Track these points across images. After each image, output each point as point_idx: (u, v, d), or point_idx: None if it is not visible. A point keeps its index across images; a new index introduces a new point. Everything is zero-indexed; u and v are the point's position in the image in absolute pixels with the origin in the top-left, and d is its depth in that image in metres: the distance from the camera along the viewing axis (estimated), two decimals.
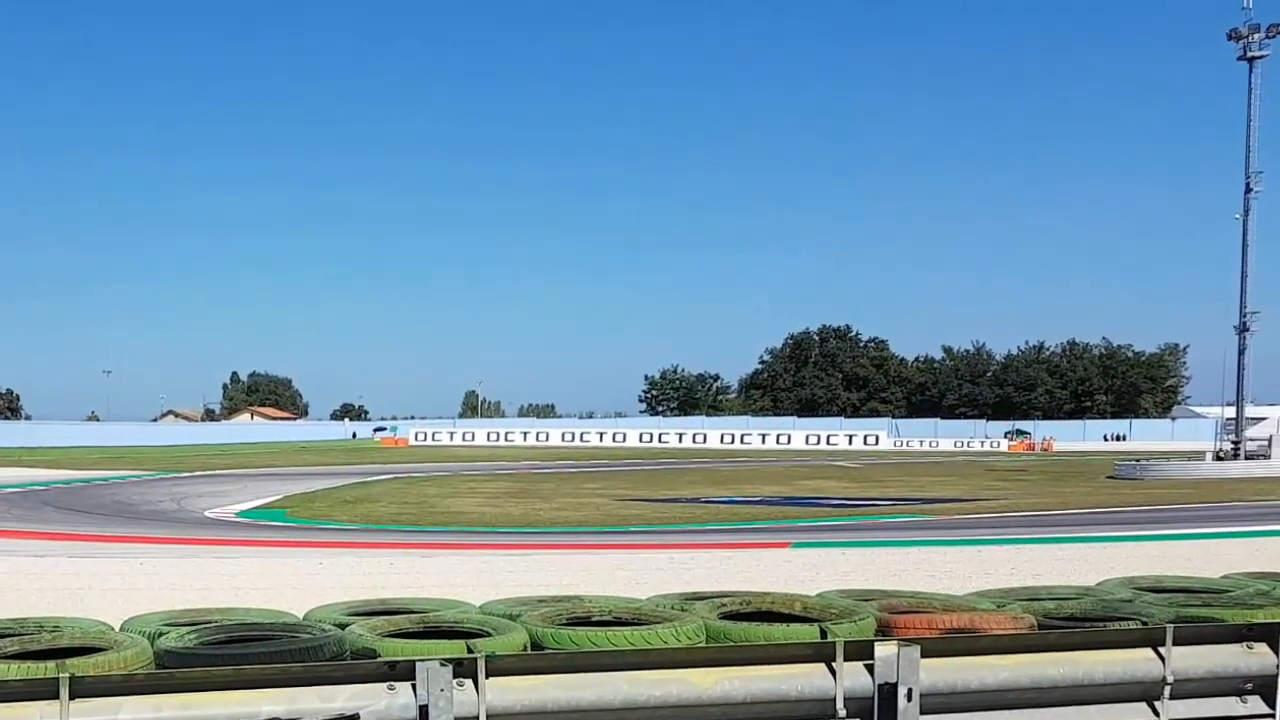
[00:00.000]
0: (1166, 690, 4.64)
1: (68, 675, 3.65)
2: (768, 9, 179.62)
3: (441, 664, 3.84)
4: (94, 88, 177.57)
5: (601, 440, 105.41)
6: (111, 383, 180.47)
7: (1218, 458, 54.39)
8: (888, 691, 4.22)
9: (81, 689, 3.64)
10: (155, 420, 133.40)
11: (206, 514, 35.27)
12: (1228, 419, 58.05)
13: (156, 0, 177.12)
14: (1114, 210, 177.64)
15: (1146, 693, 4.66)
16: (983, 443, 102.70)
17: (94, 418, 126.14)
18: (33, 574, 16.70)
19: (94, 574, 16.42)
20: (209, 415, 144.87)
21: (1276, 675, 4.73)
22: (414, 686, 3.84)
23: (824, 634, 4.87)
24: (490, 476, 55.32)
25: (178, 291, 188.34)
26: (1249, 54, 54.62)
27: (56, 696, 3.59)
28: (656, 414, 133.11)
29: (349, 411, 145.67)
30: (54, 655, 4.40)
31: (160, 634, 4.76)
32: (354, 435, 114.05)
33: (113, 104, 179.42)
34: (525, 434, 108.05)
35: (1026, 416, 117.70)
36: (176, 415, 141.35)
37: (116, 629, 5.04)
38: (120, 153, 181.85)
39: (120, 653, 4.39)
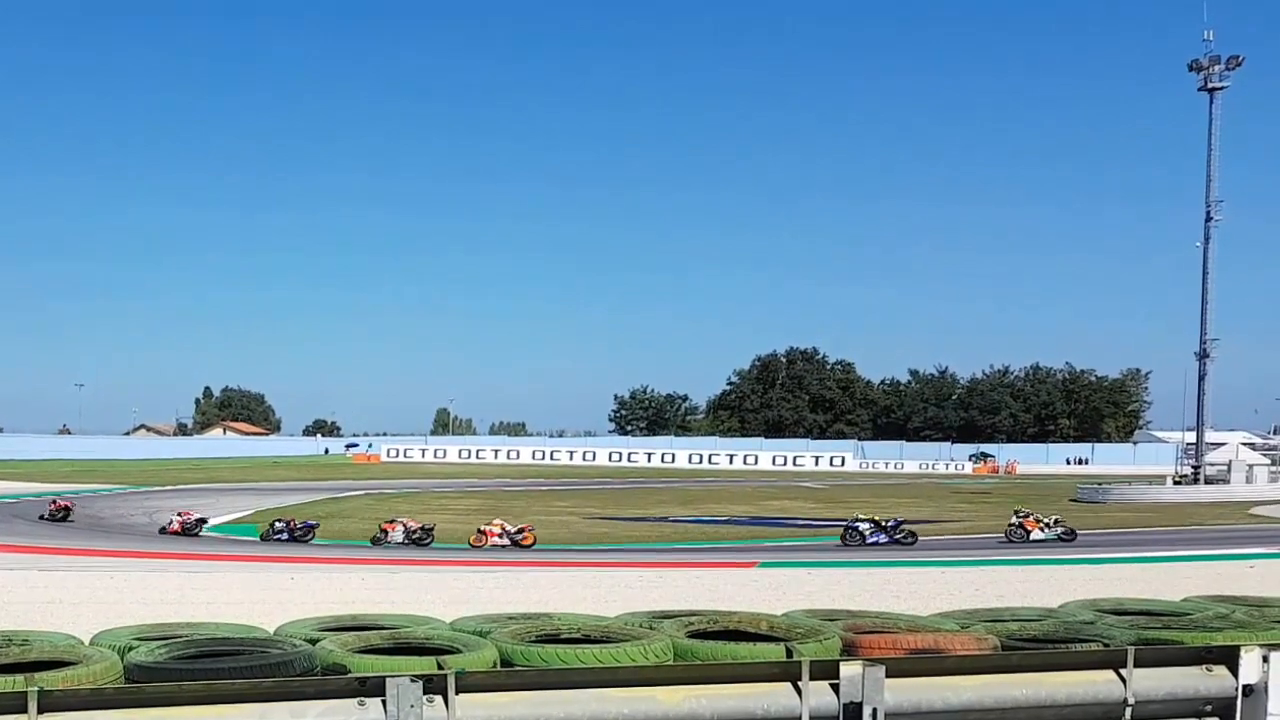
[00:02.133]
0: (1128, 712, 4.69)
1: (36, 689, 3.62)
2: (739, 31, 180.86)
3: (412, 680, 3.84)
4: (66, 99, 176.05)
5: (571, 459, 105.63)
6: (83, 396, 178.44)
7: (1177, 482, 54.99)
8: (853, 711, 4.25)
9: (50, 703, 3.61)
10: (127, 434, 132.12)
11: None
12: (1188, 444, 58.80)
13: (129, 15, 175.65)
14: (1077, 236, 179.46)
15: (1108, 714, 4.71)
16: (947, 465, 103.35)
17: (65, 431, 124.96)
18: (2, 587, 16.53)
19: (64, 587, 16.28)
20: (181, 430, 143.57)
21: (1235, 697, 4.80)
22: (384, 703, 3.83)
23: (790, 653, 4.90)
24: (461, 494, 55.23)
25: (151, 305, 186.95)
26: (1209, 85, 55.48)
27: (25, 710, 3.56)
28: (626, 433, 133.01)
29: (321, 427, 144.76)
30: (23, 669, 4.36)
31: (130, 648, 4.74)
32: (326, 451, 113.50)
33: (86, 117, 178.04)
34: (496, 452, 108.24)
35: (991, 439, 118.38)
36: (149, 429, 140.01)
37: (86, 643, 5.01)
38: (93, 166, 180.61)
39: (90, 667, 4.36)
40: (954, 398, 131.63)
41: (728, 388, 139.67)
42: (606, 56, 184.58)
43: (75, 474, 58.23)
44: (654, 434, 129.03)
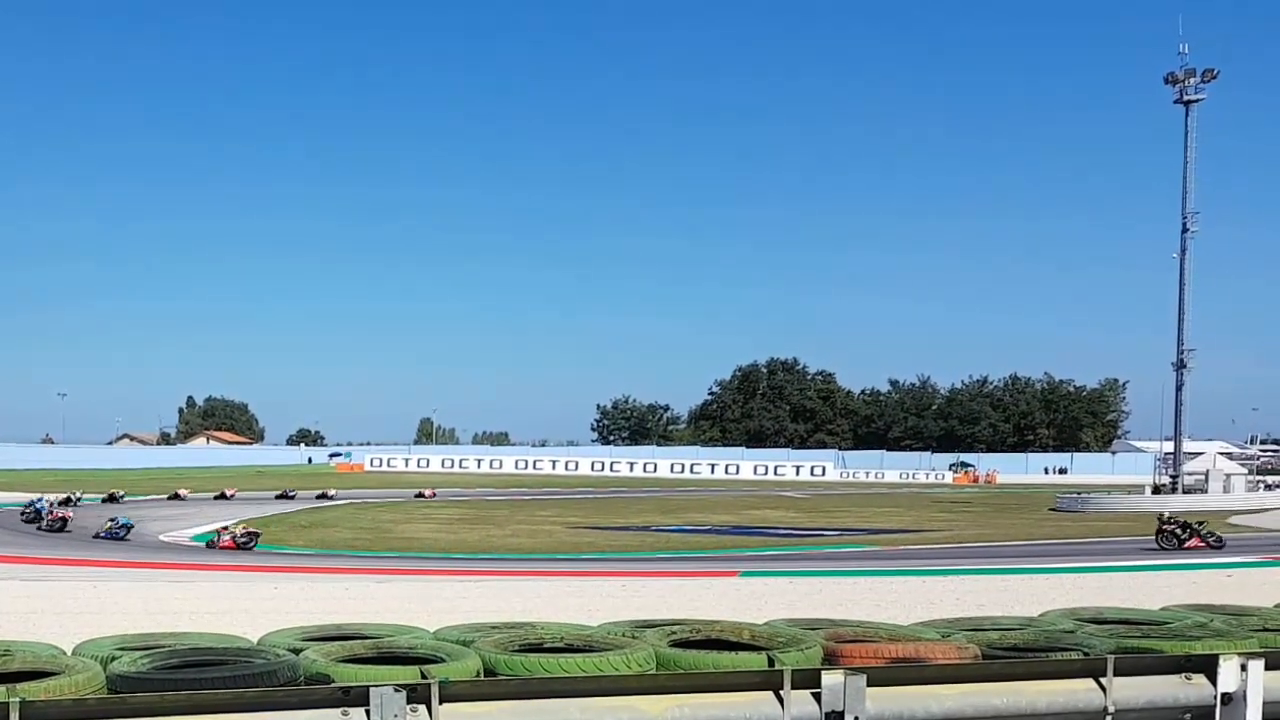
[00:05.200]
0: None
1: (18, 700, 3.60)
2: (718, 45, 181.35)
3: (395, 690, 3.84)
4: (47, 105, 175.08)
5: (554, 468, 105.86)
6: (66, 405, 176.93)
7: (1156, 491, 55.22)
8: None
9: (32, 713, 3.60)
10: (110, 443, 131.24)
11: (161, 538, 34.94)
12: (1166, 453, 59.05)
13: (113, 17, 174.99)
14: (1055, 246, 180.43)
15: None
16: (928, 475, 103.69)
17: (48, 440, 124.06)
18: None
19: (47, 597, 16.13)
20: (164, 439, 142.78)
21: (1214, 706, 4.83)
22: (368, 712, 3.83)
23: (772, 662, 4.92)
24: (445, 503, 55.14)
25: (133, 315, 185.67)
26: (1185, 98, 55.89)
27: None
28: (608, 443, 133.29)
29: (305, 437, 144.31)
30: (5, 679, 4.34)
31: (113, 658, 4.72)
32: (310, 460, 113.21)
33: (66, 124, 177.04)
34: (479, 461, 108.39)
35: (970, 449, 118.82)
36: (132, 439, 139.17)
37: (69, 653, 4.98)
38: (74, 175, 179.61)
39: (72, 677, 4.35)
40: (934, 408, 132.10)
41: (709, 398, 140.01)
42: (589, 67, 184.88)
43: (58, 483, 57.72)
44: (636, 444, 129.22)
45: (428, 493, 62.20)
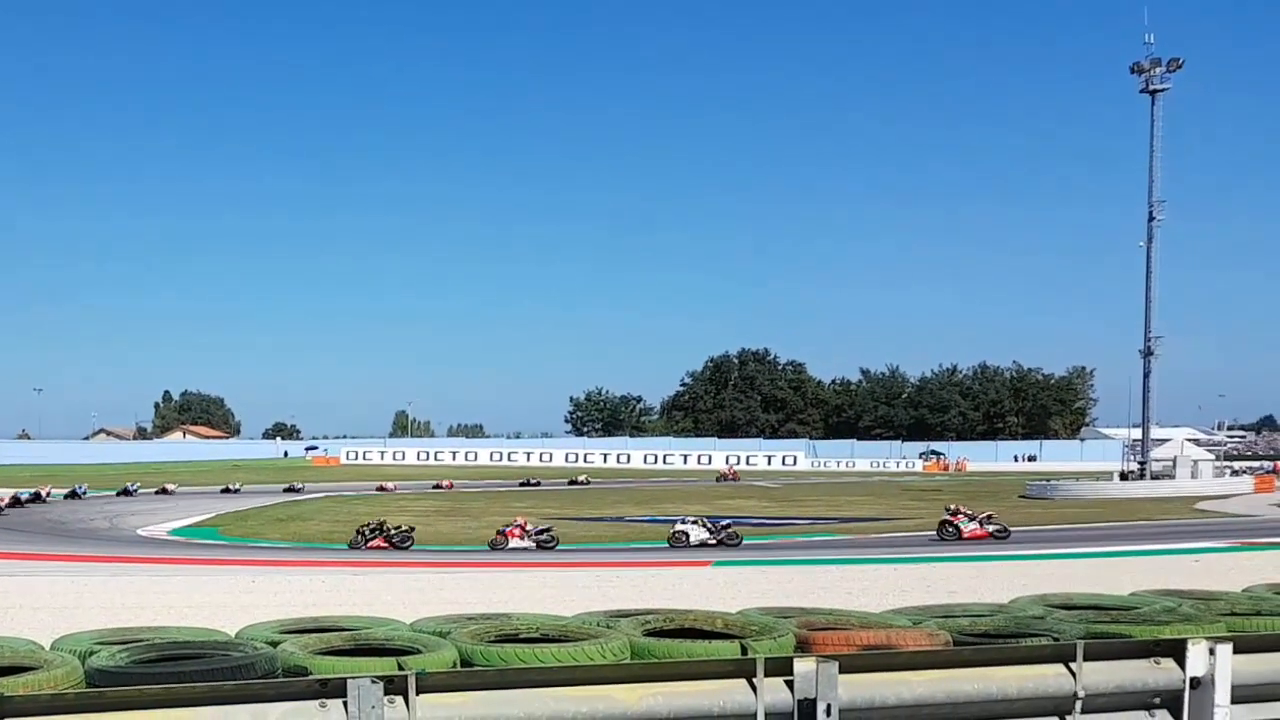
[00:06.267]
0: (1078, 705, 4.78)
1: None
2: (694, 36, 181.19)
3: (373, 681, 3.86)
4: (32, 107, 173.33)
5: (529, 460, 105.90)
6: (43, 401, 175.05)
7: (1124, 478, 55.68)
8: (807, 707, 4.31)
9: (10, 709, 3.61)
10: (87, 438, 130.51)
11: (139, 532, 34.73)
12: (1134, 440, 59.48)
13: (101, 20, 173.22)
14: (1023, 236, 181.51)
15: (1058, 707, 4.81)
16: (898, 463, 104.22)
17: (25, 436, 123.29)
18: None
19: (25, 592, 15.99)
20: (141, 434, 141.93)
21: (1182, 690, 4.90)
22: (345, 704, 3.85)
23: (745, 651, 4.96)
24: (420, 495, 55.04)
25: (109, 310, 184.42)
26: (1151, 87, 56.22)
27: None
28: (581, 434, 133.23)
29: (281, 430, 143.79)
30: None
31: (91, 653, 4.72)
32: (285, 454, 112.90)
33: (43, 122, 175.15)
34: (454, 453, 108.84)
35: (940, 438, 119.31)
36: (108, 433, 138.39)
37: (47, 648, 4.98)
38: (50, 174, 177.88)
39: (50, 672, 4.34)
40: (904, 396, 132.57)
41: (681, 389, 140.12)
42: (568, 60, 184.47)
43: (35, 479, 57.18)
44: (609, 435, 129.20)
45: (390, 486, 63.09)
